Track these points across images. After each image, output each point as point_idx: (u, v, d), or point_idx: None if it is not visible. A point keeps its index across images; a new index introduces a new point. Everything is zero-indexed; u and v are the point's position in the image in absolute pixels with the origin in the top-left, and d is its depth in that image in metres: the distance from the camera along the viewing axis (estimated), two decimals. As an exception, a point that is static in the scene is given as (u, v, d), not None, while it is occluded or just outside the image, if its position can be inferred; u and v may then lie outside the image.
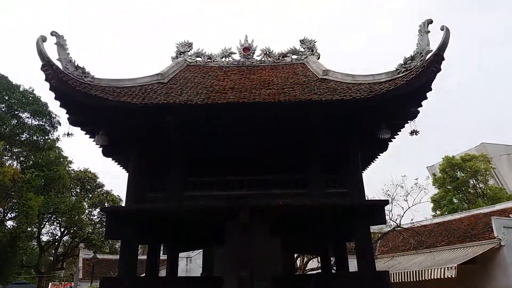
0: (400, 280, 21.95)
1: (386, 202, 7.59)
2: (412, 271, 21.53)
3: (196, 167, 9.39)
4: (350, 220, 8.04)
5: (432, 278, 20.32)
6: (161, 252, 12.28)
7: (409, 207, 22.79)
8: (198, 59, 13.48)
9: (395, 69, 8.96)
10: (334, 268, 10.60)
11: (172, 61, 13.09)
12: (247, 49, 13.93)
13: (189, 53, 13.57)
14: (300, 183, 8.69)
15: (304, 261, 23.59)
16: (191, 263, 28.79)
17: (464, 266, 20.73)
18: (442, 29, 8.55)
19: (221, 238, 9.54)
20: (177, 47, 13.69)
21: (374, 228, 27.42)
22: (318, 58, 13.26)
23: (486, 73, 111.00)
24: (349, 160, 8.79)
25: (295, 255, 22.03)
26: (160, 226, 9.59)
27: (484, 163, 39.80)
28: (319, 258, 16.70)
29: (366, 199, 8.61)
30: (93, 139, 9.55)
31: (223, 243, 9.57)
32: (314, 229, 9.70)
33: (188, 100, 8.58)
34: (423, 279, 20.76)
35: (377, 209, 7.71)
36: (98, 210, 37.99)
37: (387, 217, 24.88)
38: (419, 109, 8.54)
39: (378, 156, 10.23)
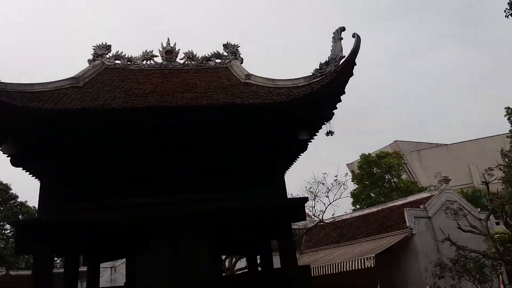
0: (324, 273, 23.04)
1: (305, 200, 7.99)
2: (335, 263, 22.73)
3: (119, 174, 9.05)
4: (274, 219, 8.30)
5: (354, 268, 21.63)
6: (81, 263, 11.65)
7: (330, 203, 24.09)
8: (117, 61, 13.00)
9: (311, 73, 9.43)
10: (260, 267, 10.89)
11: (89, 64, 12.47)
12: (169, 52, 13.71)
13: (107, 56, 13.03)
14: (228, 187, 8.76)
15: (233, 262, 23.83)
16: (115, 273, 27.63)
17: (381, 255, 22.36)
18: (353, 36, 9.18)
19: (146, 246, 9.32)
20: (94, 49, 13.07)
21: (299, 224, 28.51)
22: (242, 62, 13.47)
23: (400, 79, 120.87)
24: (273, 162, 9.07)
25: (223, 257, 22.22)
26: (79, 237, 9.09)
27: (397, 159, 43.23)
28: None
29: (288, 197, 8.95)
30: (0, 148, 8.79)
31: (147, 250, 9.36)
32: (241, 231, 9.86)
33: (105, 105, 8.26)
34: (345, 270, 22.01)
35: (298, 207, 8.07)
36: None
37: (310, 213, 26.09)
38: (334, 111, 9.08)
39: (299, 156, 10.66)
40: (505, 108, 32.56)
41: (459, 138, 70.59)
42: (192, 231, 9.08)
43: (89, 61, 12.72)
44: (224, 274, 15.01)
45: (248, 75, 11.00)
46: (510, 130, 32.68)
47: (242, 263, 23.33)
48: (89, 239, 9.33)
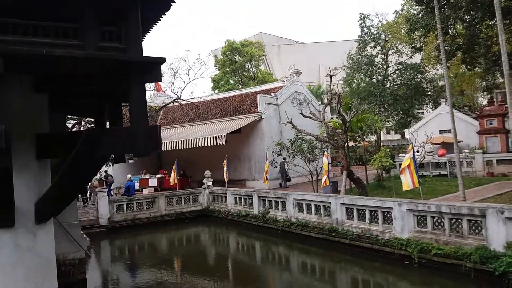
0: (178, 148, 23.85)
1: (163, 60, 7.57)
2: (190, 139, 23.58)
3: None
4: (126, 77, 7.76)
5: (207, 145, 22.85)
6: None
7: (190, 81, 24.02)
8: None
9: None
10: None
11: None
12: None
13: None
14: (72, 33, 7.67)
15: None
16: None
17: (232, 134, 23.98)
18: None
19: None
20: None
21: (156, 102, 28.09)
22: None
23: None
24: (128, 15, 8.14)
25: (71, 118, 20.88)
26: None
27: (259, 50, 44.48)
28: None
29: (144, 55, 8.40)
30: None
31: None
32: (88, 88, 9.11)
33: None
34: (199, 146, 23.13)
35: (154, 66, 7.64)
36: None
37: (169, 90, 25.75)
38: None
39: (162, 17, 9.87)
40: (360, 14, 35.40)
41: (318, 39, 75.51)
42: (22, 77, 8.00)
43: None
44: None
45: None
46: (358, 36, 36.07)
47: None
48: None
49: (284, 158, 21.59)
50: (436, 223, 10.64)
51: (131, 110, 7.84)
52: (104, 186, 23.84)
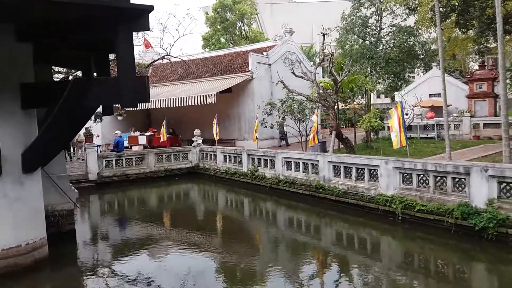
0: (168, 106, 23.63)
1: (151, 8, 7.30)
2: (179, 98, 23.33)
3: None
4: (113, 26, 7.50)
5: (196, 104, 22.65)
6: None
7: (180, 37, 23.49)
8: None
9: None
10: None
11: None
12: None
13: None
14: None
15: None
16: None
17: (223, 94, 23.75)
18: None
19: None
20: None
21: (145, 59, 27.48)
22: None
23: None
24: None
25: (59, 72, 20.42)
26: None
27: (251, 7, 43.24)
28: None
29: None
30: None
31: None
32: (73, 37, 8.82)
33: None
34: (188, 104, 22.93)
35: (142, 13, 7.38)
36: None
37: (158, 46, 25.17)
38: None
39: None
40: (355, -28, 34.30)
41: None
42: (4, 25, 7.71)
43: None
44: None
45: None
46: (353, -5, 35.13)
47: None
48: None
49: (283, 119, 21.51)
50: (421, 181, 10.86)
51: (119, 60, 7.65)
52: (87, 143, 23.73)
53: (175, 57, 24.99)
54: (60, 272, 8.45)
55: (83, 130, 21.66)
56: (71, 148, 22.92)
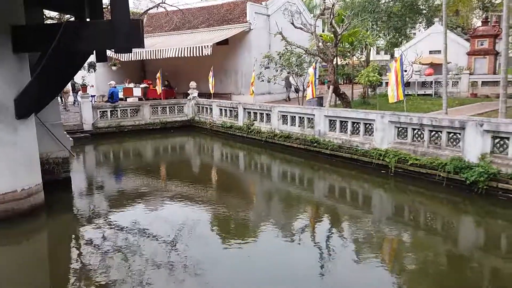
0: (163, 57, 23.16)
1: None
2: (174, 48, 22.82)
3: None
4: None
5: (192, 55, 22.19)
6: None
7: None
8: None
9: None
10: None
11: None
12: None
13: None
14: None
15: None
16: None
17: (219, 46, 23.23)
18: None
19: None
20: None
21: (139, 9, 26.57)
22: None
23: None
24: None
25: (50, 18, 19.77)
26: None
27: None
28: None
29: None
30: None
31: None
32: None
33: None
34: (183, 55, 22.46)
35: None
36: None
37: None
38: None
39: None
40: None
41: None
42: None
43: None
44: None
45: None
46: None
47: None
48: None
49: (289, 73, 20.98)
50: (416, 135, 10.91)
51: (112, 3, 7.37)
52: (71, 93, 23.46)
53: (171, 5, 24.16)
54: (56, 219, 8.60)
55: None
56: (60, 98, 22.65)
